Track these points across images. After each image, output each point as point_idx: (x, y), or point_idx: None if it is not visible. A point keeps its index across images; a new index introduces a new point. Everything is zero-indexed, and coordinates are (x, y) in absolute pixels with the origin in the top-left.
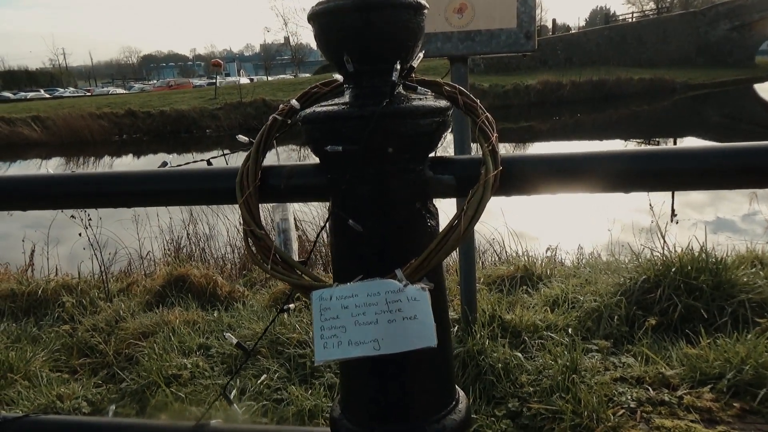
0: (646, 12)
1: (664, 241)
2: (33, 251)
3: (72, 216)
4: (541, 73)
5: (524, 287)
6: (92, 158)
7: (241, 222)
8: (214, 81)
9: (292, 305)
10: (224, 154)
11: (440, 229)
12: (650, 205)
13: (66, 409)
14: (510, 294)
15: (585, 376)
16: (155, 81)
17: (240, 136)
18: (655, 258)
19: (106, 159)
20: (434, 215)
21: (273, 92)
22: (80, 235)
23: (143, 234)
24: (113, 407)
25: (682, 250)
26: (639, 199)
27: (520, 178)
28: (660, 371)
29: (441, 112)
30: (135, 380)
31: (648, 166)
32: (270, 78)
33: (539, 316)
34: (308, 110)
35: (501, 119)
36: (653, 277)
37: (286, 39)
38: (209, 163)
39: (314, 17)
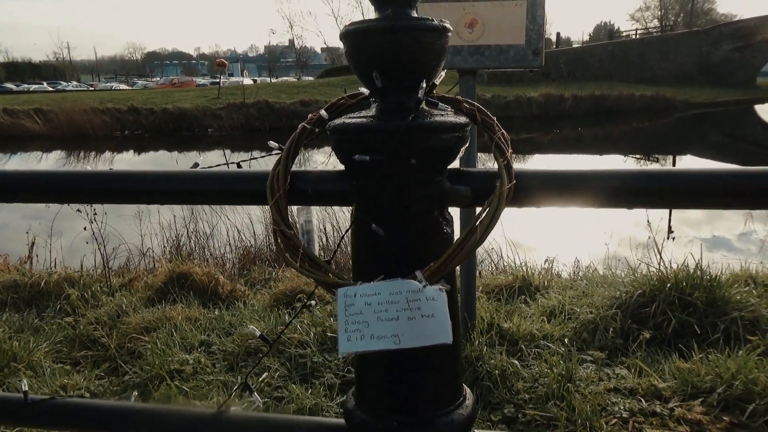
0: (650, 29)
1: (661, 257)
2: (34, 243)
3: (78, 210)
4: (544, 86)
5: (522, 297)
6: (93, 153)
7: (271, 222)
8: (218, 80)
9: (313, 302)
10: (253, 158)
11: (454, 236)
12: (648, 221)
13: None
14: (508, 303)
15: (579, 386)
16: (158, 78)
17: (271, 142)
18: (651, 273)
19: (107, 154)
20: (450, 223)
21: (276, 94)
22: (85, 228)
23: (144, 230)
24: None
25: (677, 266)
26: (637, 215)
27: (532, 191)
28: (653, 383)
29: (461, 128)
30: (138, 373)
31: (650, 184)
32: (273, 80)
33: (536, 326)
34: (338, 121)
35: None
36: (649, 291)
37: (291, 41)
38: (239, 165)
39: (347, 36)
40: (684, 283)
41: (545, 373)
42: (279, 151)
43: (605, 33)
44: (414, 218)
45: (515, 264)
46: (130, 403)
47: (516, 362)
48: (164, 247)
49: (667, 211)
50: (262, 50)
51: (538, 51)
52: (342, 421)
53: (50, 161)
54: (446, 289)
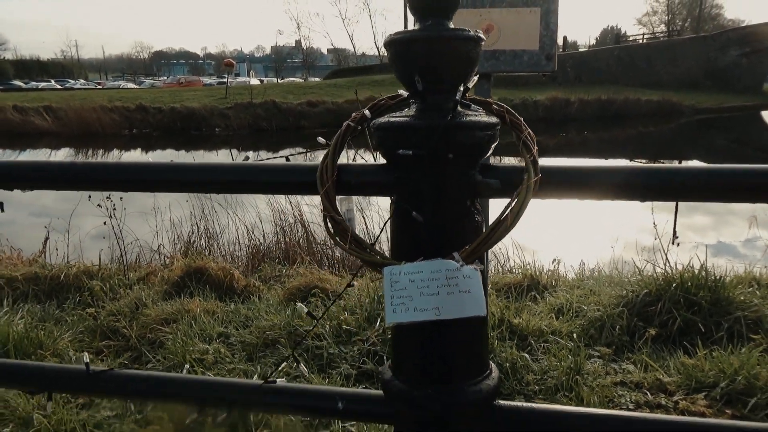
0: (657, 34)
1: (666, 258)
2: (47, 238)
3: (99, 205)
4: (550, 90)
5: (531, 294)
6: (101, 151)
7: (322, 209)
8: (225, 80)
9: (355, 283)
10: (301, 152)
11: (483, 224)
12: (654, 223)
13: None
14: (517, 301)
15: (587, 379)
16: (165, 77)
17: (320, 138)
18: (657, 273)
19: (115, 152)
20: (480, 212)
21: (283, 94)
22: (105, 223)
23: (152, 228)
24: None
25: (683, 267)
26: (642, 220)
27: (555, 184)
28: (658, 378)
29: (493, 127)
30: (161, 361)
31: (660, 179)
32: (280, 80)
33: (545, 322)
34: (383, 119)
35: (508, 133)
36: (655, 291)
37: (298, 42)
38: (287, 159)
39: (392, 44)
40: (689, 284)
41: (554, 366)
42: (326, 146)
43: (612, 37)
44: (450, 207)
45: (523, 265)
46: (182, 374)
47: (526, 356)
48: (175, 244)
49: (672, 216)
50: (268, 51)
51: (551, 56)
52: (379, 392)
53: (59, 158)
54: (481, 269)
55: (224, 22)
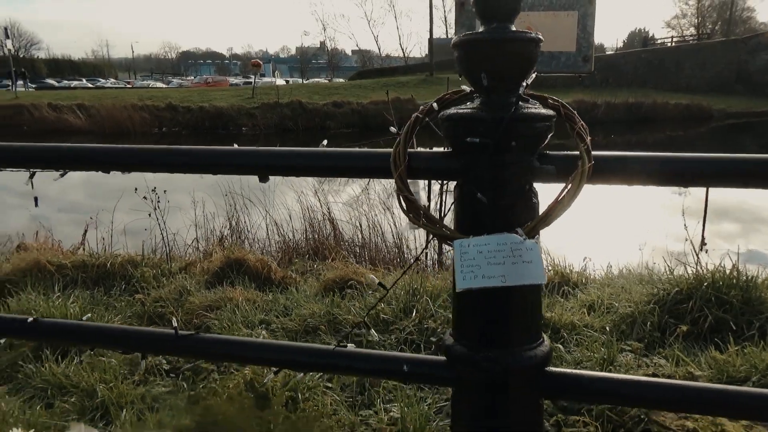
0: (686, 37)
1: (698, 257)
2: (86, 230)
3: (144, 197)
4: (577, 92)
5: (562, 290)
6: None
7: (396, 189)
8: (252, 80)
9: (420, 258)
10: (373, 140)
11: (540, 206)
12: (685, 225)
13: (149, 363)
14: (548, 297)
15: (620, 370)
16: (193, 77)
17: (392, 128)
18: (688, 273)
19: None
20: (536, 195)
21: (309, 95)
22: (150, 215)
23: (188, 223)
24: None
25: (714, 266)
26: (670, 225)
27: (606, 171)
28: (689, 371)
29: (550, 119)
30: None
31: (702, 166)
32: (305, 81)
33: (576, 317)
34: (451, 111)
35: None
36: (686, 289)
37: (322, 43)
38: (361, 146)
39: (460, 45)
40: (721, 283)
41: (587, 357)
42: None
43: (639, 40)
44: (510, 189)
45: (553, 264)
46: (257, 339)
47: (560, 346)
48: (208, 238)
49: (701, 220)
50: (293, 51)
51: (588, 58)
52: (441, 357)
53: None
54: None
55: (250, 22)
